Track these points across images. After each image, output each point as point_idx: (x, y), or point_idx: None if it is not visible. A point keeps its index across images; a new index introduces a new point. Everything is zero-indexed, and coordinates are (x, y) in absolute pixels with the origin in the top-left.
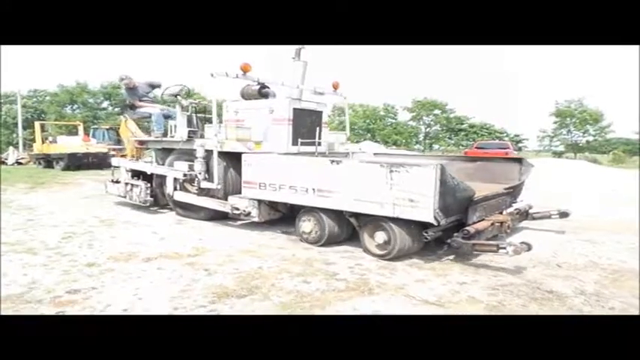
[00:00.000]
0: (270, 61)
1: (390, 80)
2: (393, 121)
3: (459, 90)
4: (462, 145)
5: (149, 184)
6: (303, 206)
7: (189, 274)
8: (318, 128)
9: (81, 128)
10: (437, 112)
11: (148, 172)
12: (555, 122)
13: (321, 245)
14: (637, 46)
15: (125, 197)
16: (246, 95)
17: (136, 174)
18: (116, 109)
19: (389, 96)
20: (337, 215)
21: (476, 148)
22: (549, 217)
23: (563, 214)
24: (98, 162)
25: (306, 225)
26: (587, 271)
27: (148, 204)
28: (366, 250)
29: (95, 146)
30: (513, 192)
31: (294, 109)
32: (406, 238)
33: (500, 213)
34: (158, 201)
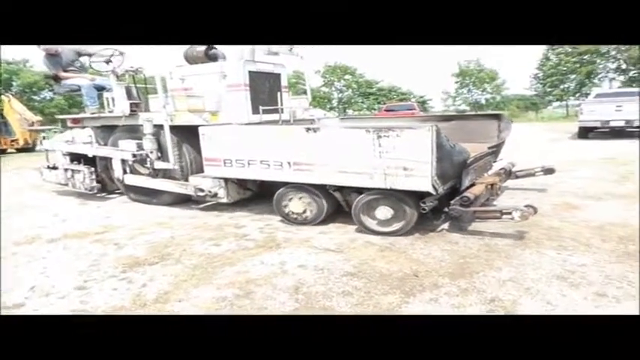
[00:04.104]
0: None
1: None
2: (305, 87)
3: (368, 54)
4: (374, 109)
5: (93, 169)
6: (284, 183)
7: (98, 250)
8: (279, 93)
9: None
10: (347, 77)
11: (90, 155)
12: (457, 82)
13: (317, 224)
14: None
15: (67, 185)
16: (190, 59)
17: (77, 158)
18: None
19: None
20: (324, 189)
21: (385, 110)
22: (534, 174)
23: (548, 171)
24: None
25: (296, 204)
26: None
27: (95, 191)
28: (365, 229)
29: None
30: (496, 151)
31: (250, 72)
32: (413, 210)
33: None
34: (106, 186)
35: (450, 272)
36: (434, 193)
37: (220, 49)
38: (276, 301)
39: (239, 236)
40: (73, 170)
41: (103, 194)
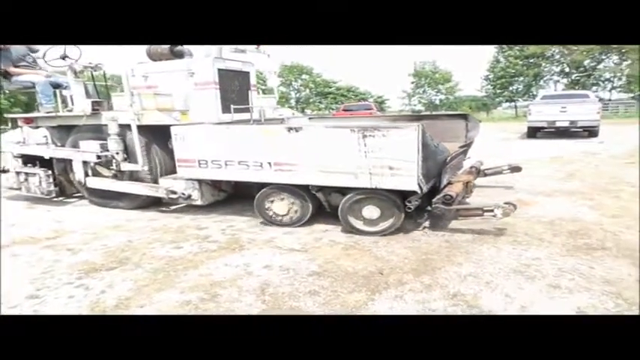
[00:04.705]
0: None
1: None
2: (265, 87)
3: (328, 54)
4: (332, 108)
5: (50, 171)
6: (263, 184)
7: (50, 257)
8: (248, 92)
9: None
10: (305, 76)
11: (46, 157)
12: (413, 82)
13: (301, 225)
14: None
15: (20, 189)
16: (154, 55)
17: (30, 160)
18: None
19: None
20: (308, 190)
21: (343, 110)
22: (501, 172)
23: (515, 169)
24: None
25: (280, 205)
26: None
27: (53, 195)
28: (352, 229)
29: None
30: (466, 150)
31: (220, 69)
32: (400, 209)
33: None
34: (64, 190)
35: (413, 269)
36: (419, 192)
37: (186, 45)
38: (242, 303)
39: (201, 238)
40: (27, 173)
41: (61, 198)
